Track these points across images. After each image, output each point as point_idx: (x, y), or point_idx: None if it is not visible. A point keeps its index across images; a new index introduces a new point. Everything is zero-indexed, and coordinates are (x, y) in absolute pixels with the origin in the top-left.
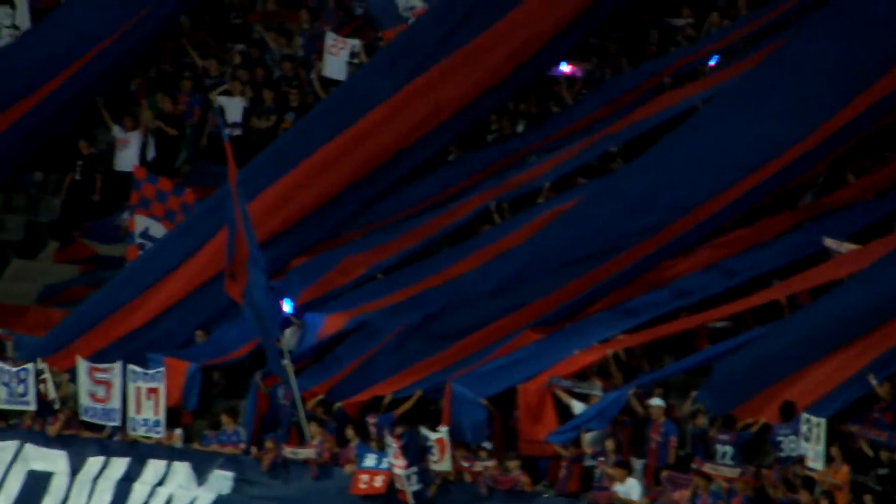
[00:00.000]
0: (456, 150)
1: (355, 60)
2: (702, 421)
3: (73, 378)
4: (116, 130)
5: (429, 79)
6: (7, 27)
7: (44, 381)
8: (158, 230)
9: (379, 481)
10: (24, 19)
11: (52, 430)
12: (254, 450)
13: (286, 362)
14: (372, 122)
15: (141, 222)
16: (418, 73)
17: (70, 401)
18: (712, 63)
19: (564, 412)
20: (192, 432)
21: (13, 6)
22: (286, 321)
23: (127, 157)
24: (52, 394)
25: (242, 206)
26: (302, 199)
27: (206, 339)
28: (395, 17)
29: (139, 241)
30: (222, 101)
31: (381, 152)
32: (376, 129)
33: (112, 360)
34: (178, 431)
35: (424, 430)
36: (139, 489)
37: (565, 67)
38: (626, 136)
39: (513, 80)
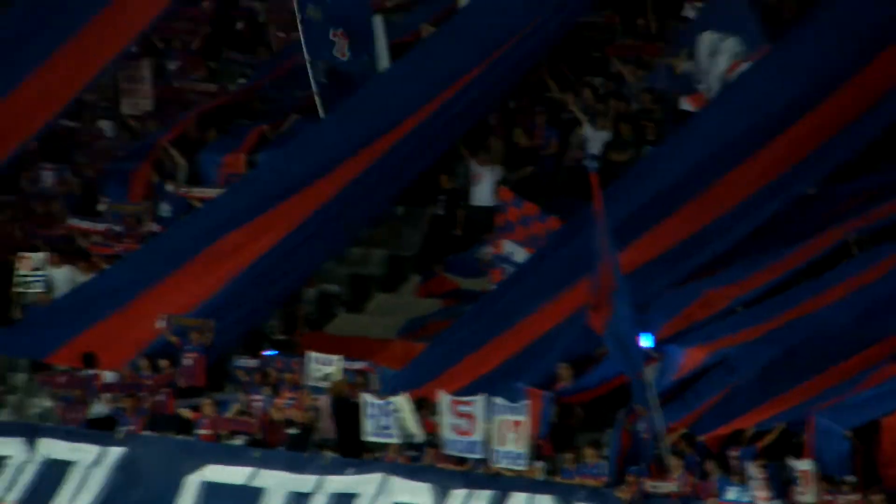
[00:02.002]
0: (816, 184)
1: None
2: None
3: (435, 412)
4: (471, 165)
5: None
6: None
7: (405, 415)
8: (521, 255)
9: None
10: (380, 52)
11: (427, 460)
12: (618, 490)
13: (650, 395)
14: (749, 159)
15: (505, 246)
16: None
17: (434, 434)
18: None
19: None
20: (554, 465)
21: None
22: (646, 356)
23: (481, 192)
24: (413, 428)
25: (608, 237)
26: (670, 233)
27: (572, 377)
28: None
29: (502, 265)
30: (587, 133)
31: (750, 187)
32: (748, 167)
33: (474, 394)
34: (540, 464)
35: (791, 461)
36: None
37: None
38: None
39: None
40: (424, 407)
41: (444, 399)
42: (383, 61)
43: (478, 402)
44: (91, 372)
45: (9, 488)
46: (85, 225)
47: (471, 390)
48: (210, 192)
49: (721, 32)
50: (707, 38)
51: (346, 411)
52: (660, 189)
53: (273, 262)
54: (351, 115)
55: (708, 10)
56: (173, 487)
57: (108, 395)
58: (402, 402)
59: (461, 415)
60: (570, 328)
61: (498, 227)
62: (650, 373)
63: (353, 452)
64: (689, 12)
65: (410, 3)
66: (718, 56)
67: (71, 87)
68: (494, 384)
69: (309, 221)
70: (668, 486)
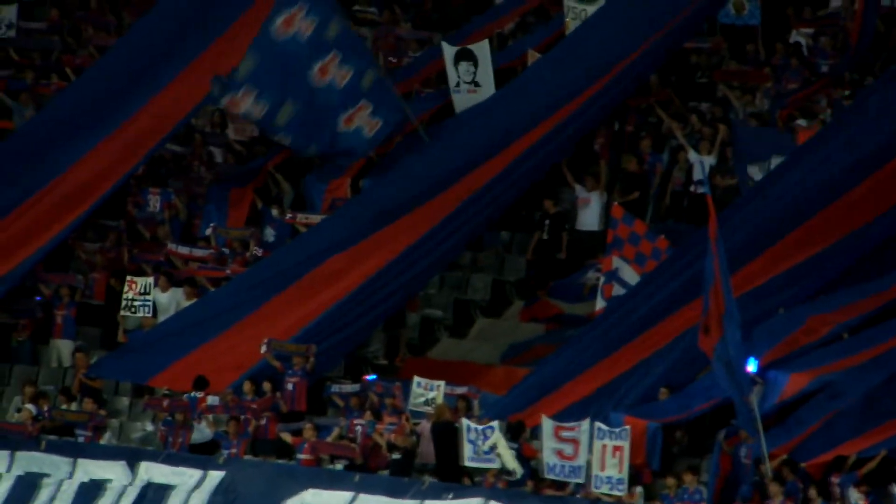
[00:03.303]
0: None
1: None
2: None
3: (537, 436)
4: (578, 190)
5: None
6: (467, 83)
7: (501, 451)
8: (627, 272)
9: None
10: (485, 77)
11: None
12: None
13: (755, 420)
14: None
15: (614, 262)
16: None
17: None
18: None
19: None
20: (653, 491)
21: (475, 64)
22: (751, 380)
23: (588, 217)
24: (510, 464)
25: (721, 261)
26: (776, 260)
27: (669, 396)
28: None
29: (612, 281)
30: (692, 158)
31: (859, 218)
32: (856, 197)
33: (576, 419)
34: (639, 489)
35: (894, 488)
36: None
37: None
38: None
39: None
40: (522, 432)
41: (547, 424)
42: (486, 82)
43: (582, 427)
44: (195, 395)
45: None
46: (185, 251)
47: (569, 413)
48: (315, 218)
49: None
50: None
51: (447, 436)
52: (769, 216)
53: (376, 287)
54: (455, 140)
55: None
56: None
57: (209, 418)
58: (496, 439)
59: (564, 440)
60: (671, 353)
61: (608, 243)
62: (755, 398)
63: (453, 477)
64: (797, 38)
65: (516, 30)
66: None
67: (177, 115)
68: (592, 408)
69: (412, 247)
70: None
